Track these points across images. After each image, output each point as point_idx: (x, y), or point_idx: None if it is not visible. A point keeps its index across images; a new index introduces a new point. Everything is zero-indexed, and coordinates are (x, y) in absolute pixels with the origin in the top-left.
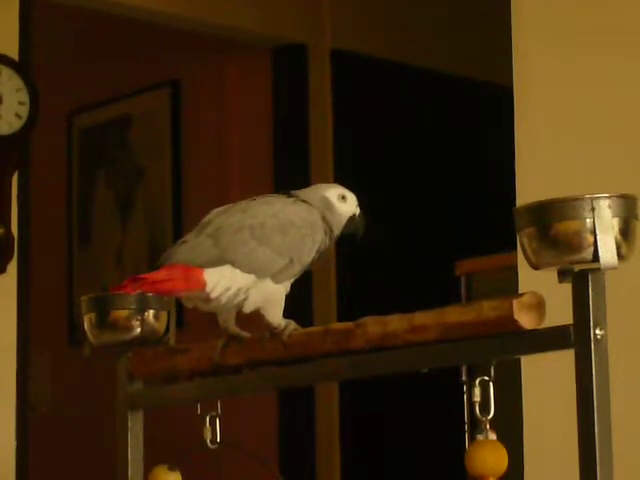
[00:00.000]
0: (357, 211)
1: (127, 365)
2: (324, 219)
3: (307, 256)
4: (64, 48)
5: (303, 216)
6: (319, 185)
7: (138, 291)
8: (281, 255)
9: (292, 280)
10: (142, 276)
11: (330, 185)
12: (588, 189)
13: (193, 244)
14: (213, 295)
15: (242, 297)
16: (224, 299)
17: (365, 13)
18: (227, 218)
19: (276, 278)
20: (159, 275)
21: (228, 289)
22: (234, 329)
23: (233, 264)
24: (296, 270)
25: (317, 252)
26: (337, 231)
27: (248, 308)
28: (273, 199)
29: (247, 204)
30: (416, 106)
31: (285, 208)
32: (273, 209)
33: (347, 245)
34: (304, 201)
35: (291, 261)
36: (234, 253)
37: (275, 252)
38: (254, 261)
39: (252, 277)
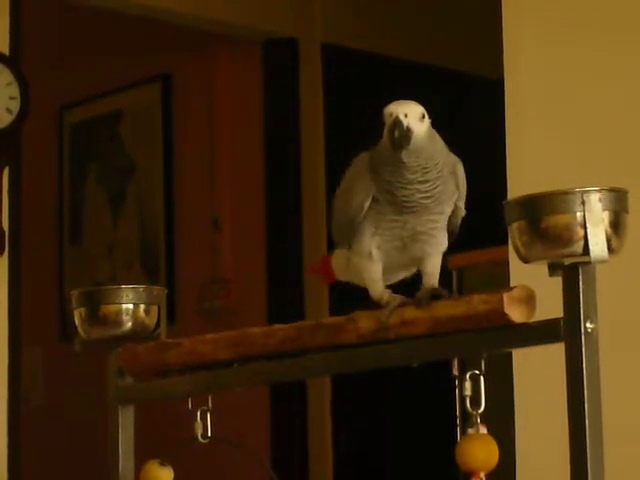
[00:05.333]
0: (389, 122)
1: (118, 360)
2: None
3: (348, 207)
4: (55, 42)
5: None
6: None
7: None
8: (334, 222)
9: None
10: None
11: None
12: (580, 182)
13: None
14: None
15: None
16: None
17: (355, 7)
18: None
19: (340, 245)
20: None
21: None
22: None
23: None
24: (345, 227)
25: (381, 186)
26: (397, 151)
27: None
28: None
29: None
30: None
31: None
32: None
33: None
34: None
35: (342, 219)
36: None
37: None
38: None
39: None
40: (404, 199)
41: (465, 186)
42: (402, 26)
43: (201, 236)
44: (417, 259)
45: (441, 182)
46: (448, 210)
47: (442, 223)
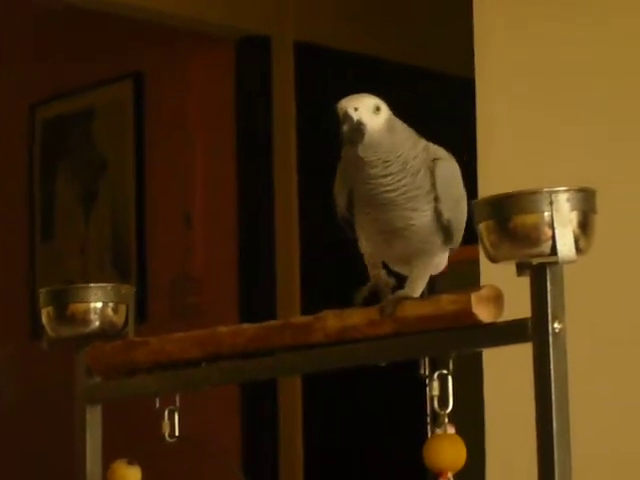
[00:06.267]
0: (340, 117)
1: (85, 359)
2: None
3: (337, 197)
4: (27, 39)
5: None
6: None
7: None
8: None
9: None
10: None
11: None
12: (551, 182)
13: None
14: None
15: None
16: None
17: (329, 5)
18: None
19: None
20: None
21: None
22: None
23: None
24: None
25: (351, 182)
26: (352, 147)
27: None
28: None
29: None
30: (380, 98)
31: None
32: None
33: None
34: None
35: None
36: None
37: None
38: None
39: None
40: (370, 193)
41: (449, 187)
42: (376, 24)
43: (173, 234)
44: (406, 258)
45: (406, 175)
46: (425, 208)
47: (419, 221)
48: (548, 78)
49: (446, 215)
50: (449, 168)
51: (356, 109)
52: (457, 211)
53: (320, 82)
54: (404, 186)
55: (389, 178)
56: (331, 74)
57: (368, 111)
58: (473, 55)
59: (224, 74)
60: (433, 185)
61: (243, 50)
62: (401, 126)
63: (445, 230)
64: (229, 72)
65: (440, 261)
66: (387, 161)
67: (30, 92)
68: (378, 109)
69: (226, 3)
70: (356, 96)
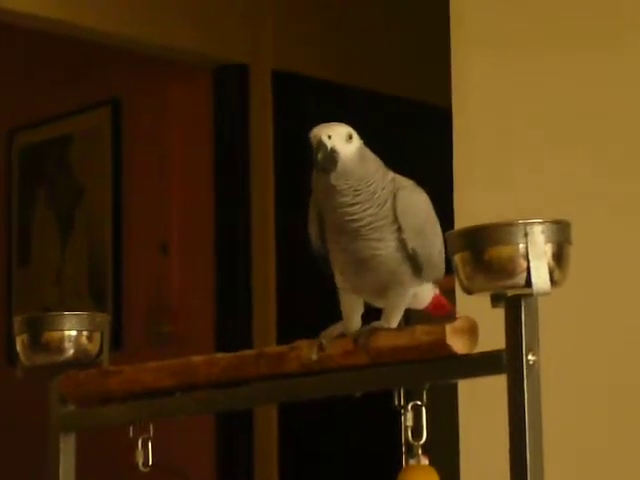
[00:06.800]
0: (314, 144)
1: (59, 387)
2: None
3: (309, 226)
4: (5, 66)
5: None
6: None
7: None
8: None
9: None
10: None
11: None
12: (528, 214)
13: None
14: None
15: None
16: None
17: (307, 34)
18: None
19: None
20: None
21: None
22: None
23: None
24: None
25: (321, 211)
26: (325, 174)
27: None
28: None
29: None
30: (357, 127)
31: None
32: None
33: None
34: None
35: None
36: None
37: None
38: None
39: None
40: (339, 221)
41: (410, 216)
42: (353, 53)
43: (149, 262)
44: (379, 289)
45: (372, 205)
46: (390, 238)
47: (385, 251)
48: (525, 110)
49: (410, 245)
50: (410, 198)
51: (330, 137)
52: (422, 240)
53: (298, 111)
54: (370, 216)
55: (356, 207)
56: (309, 103)
57: (341, 139)
58: (451, 85)
59: (202, 102)
60: (396, 215)
61: (221, 78)
62: (371, 156)
63: (412, 260)
64: (207, 100)
65: (420, 294)
66: (357, 189)
67: (8, 118)
68: (350, 137)
69: (204, 31)
70: (329, 124)
